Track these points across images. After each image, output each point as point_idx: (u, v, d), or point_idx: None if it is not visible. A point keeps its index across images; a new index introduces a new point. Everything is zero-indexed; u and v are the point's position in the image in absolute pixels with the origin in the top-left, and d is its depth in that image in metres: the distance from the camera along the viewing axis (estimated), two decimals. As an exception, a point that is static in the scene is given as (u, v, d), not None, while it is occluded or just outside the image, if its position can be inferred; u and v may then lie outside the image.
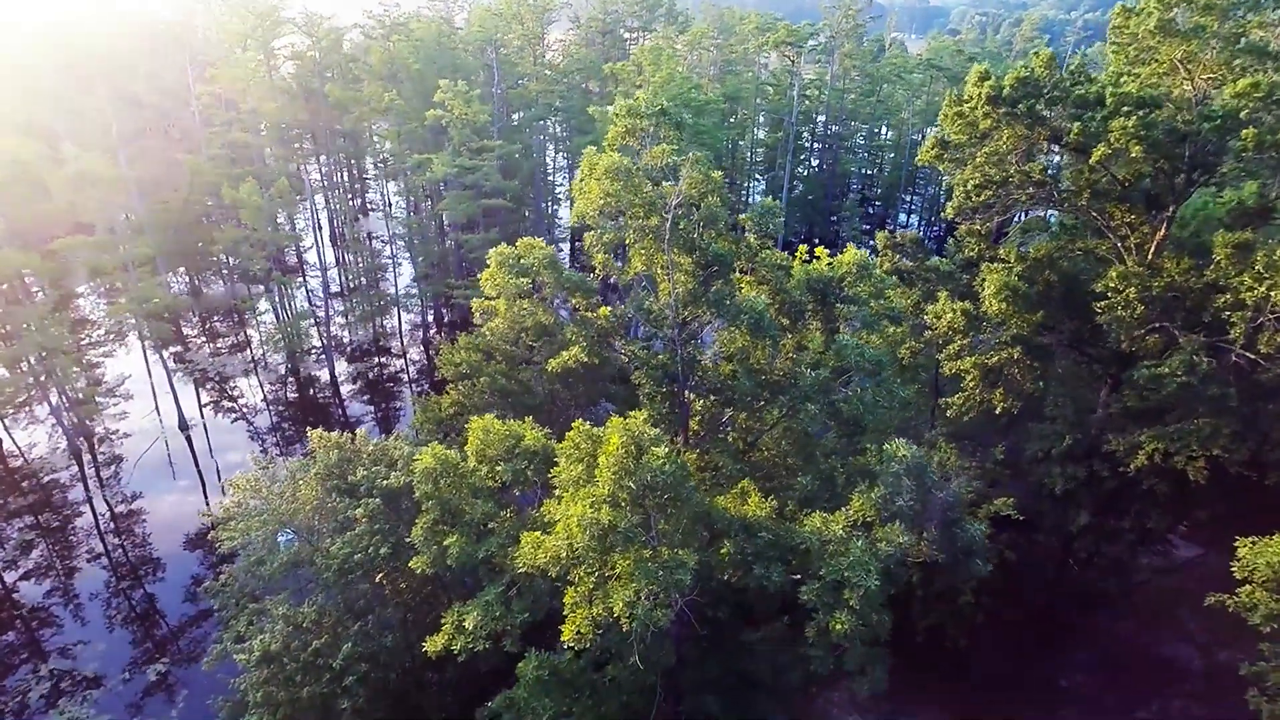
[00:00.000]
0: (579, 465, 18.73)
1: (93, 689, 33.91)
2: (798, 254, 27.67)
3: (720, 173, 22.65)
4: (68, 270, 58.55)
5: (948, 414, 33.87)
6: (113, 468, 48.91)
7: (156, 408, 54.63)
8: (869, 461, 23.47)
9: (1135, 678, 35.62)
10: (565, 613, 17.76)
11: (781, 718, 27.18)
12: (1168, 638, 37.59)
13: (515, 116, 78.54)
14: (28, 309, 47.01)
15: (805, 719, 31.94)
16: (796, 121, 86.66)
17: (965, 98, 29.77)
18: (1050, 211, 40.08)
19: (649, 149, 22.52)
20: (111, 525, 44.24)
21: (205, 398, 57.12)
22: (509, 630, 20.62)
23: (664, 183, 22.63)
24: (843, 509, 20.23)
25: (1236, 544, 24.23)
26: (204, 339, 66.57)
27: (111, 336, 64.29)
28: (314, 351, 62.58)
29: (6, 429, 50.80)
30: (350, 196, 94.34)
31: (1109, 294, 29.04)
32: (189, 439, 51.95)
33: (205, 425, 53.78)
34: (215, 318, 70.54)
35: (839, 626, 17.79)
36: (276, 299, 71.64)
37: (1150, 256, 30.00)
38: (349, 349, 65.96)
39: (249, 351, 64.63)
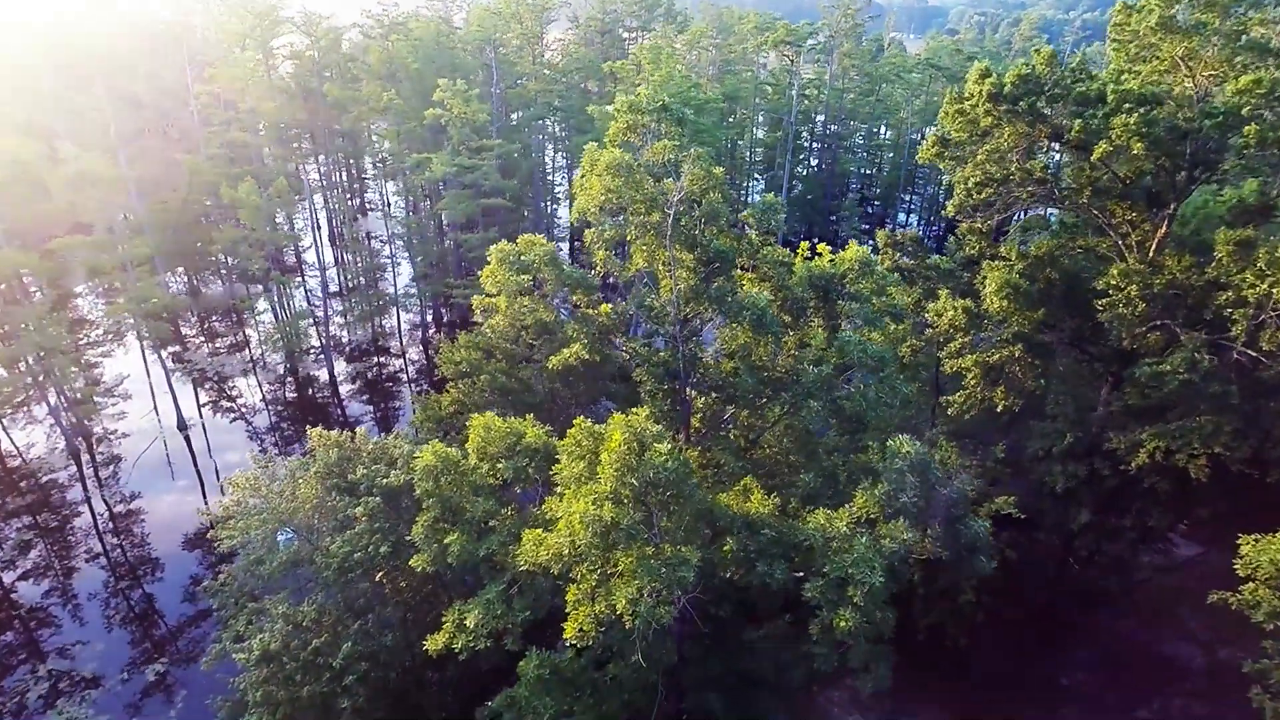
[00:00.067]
0: (581, 462, 18.65)
1: (91, 689, 33.79)
2: (799, 251, 27.59)
3: (721, 169, 22.59)
4: (66, 270, 58.44)
5: (949, 412, 33.83)
6: (111, 468, 48.78)
7: (155, 407, 54.51)
8: (871, 459, 23.40)
9: (1136, 676, 35.58)
10: (567, 610, 17.67)
11: (783, 716, 27.12)
12: (1169, 636, 37.56)
13: (514, 116, 78.48)
14: (26, 309, 46.90)
15: (807, 717, 31.86)
16: (795, 121, 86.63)
17: (966, 95, 29.74)
18: (1050, 210, 40.10)
19: (650, 145, 22.45)
20: (110, 525, 44.12)
21: (204, 397, 56.99)
22: (510, 628, 20.53)
23: (665, 179, 22.56)
24: (846, 506, 20.15)
25: (1239, 542, 24.17)
26: (203, 339, 66.44)
27: (110, 336, 64.15)
28: (313, 351, 62.46)
29: (5, 429, 50.66)
30: (349, 196, 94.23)
31: (1110, 291, 29.00)
32: (188, 439, 51.83)
33: (204, 425, 53.66)
34: (214, 317, 70.42)
35: (843, 623, 17.72)
36: (275, 299, 71.51)
37: (1151, 254, 29.98)
38: (348, 349, 65.85)
39: (248, 351, 64.51)
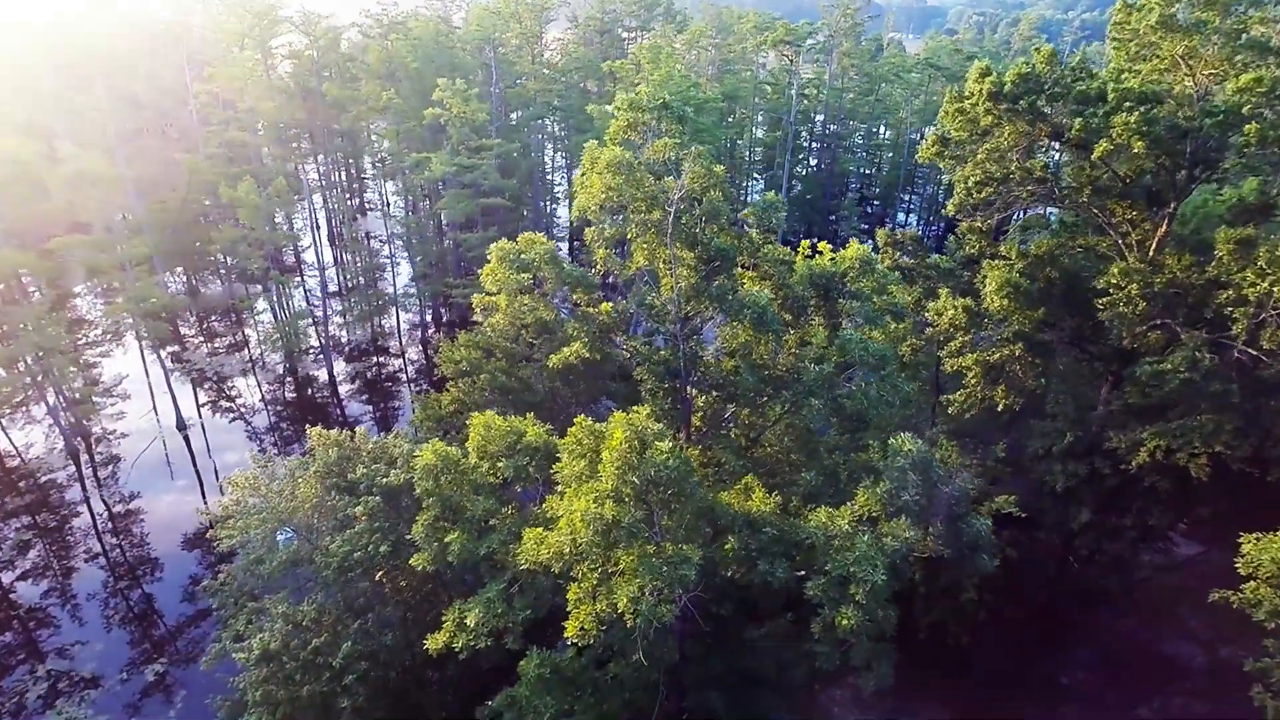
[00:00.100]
0: (582, 461, 18.60)
1: (90, 689, 33.72)
2: (800, 249, 27.57)
3: (722, 167, 22.56)
4: (65, 270, 58.36)
5: (949, 411, 33.83)
6: (110, 468, 48.70)
7: (154, 407, 54.43)
8: (872, 458, 23.37)
9: (1137, 675, 35.60)
10: (568, 609, 17.63)
11: (785, 715, 27.10)
12: (1169, 635, 37.58)
13: (513, 116, 78.41)
14: (25, 308, 46.83)
15: (808, 716, 31.84)
16: (795, 120, 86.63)
17: (966, 94, 29.73)
18: (1050, 209, 40.10)
19: (651, 143, 22.41)
20: (109, 525, 44.04)
21: (203, 397, 56.90)
22: (511, 627, 20.48)
23: (666, 177, 22.52)
24: (847, 504, 20.12)
25: (1240, 540, 24.16)
26: (202, 339, 66.36)
27: (109, 336, 64.05)
28: (312, 351, 62.39)
29: (4, 429, 50.56)
30: (348, 196, 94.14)
31: (1111, 290, 28.99)
32: (187, 439, 51.75)
33: (203, 425, 53.58)
34: (213, 317, 70.33)
35: (845, 622, 17.69)
36: (274, 298, 71.42)
37: (1151, 253, 29.97)
38: (347, 348, 65.79)
39: (247, 351, 64.43)
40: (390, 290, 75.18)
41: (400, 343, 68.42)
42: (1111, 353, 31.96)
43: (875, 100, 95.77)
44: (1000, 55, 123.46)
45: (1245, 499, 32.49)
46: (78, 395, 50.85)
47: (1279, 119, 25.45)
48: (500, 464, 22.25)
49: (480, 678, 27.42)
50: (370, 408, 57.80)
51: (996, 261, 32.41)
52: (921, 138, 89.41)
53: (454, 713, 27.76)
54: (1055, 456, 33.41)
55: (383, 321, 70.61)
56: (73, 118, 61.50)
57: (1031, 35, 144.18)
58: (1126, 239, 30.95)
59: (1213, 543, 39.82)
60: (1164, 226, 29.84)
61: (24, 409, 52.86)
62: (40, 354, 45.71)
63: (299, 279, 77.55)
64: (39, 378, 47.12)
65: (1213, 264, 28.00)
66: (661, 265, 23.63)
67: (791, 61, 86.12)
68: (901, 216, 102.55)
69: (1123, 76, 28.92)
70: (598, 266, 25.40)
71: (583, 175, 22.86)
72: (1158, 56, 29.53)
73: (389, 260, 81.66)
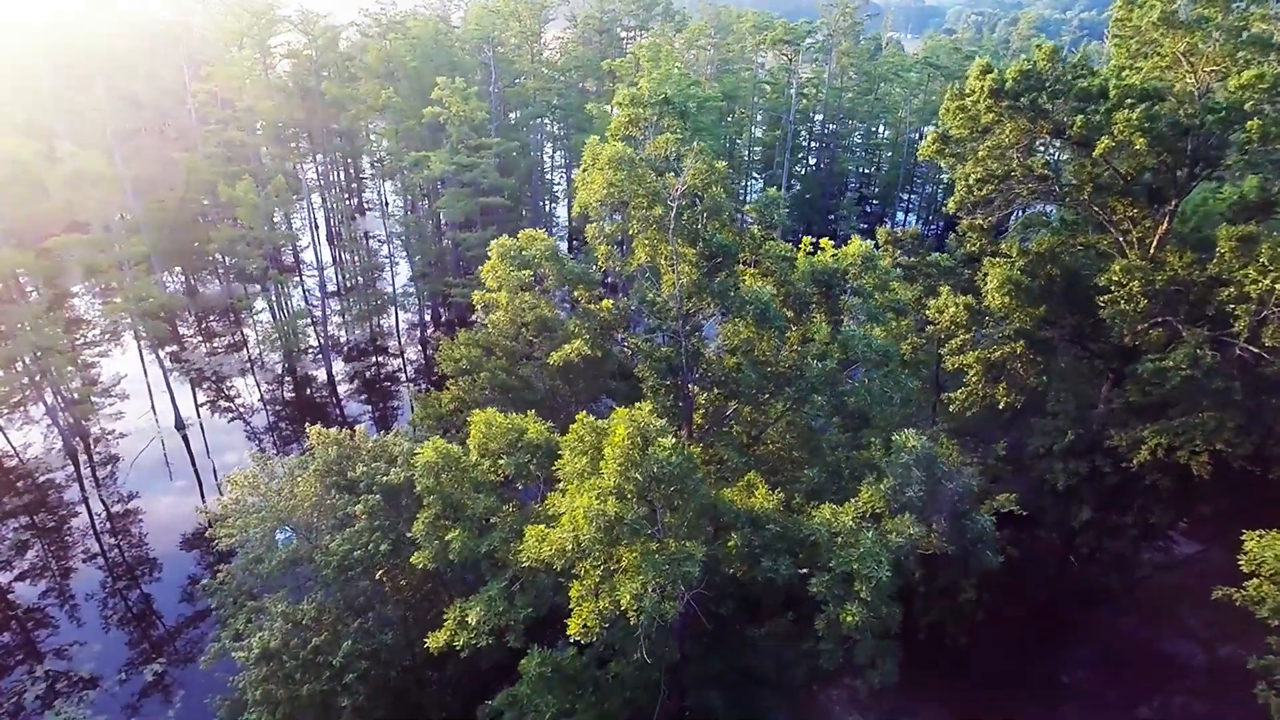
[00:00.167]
0: (583, 458, 18.52)
1: (89, 690, 33.59)
2: (802, 245, 27.49)
3: (724, 163, 22.49)
4: (62, 269, 58.17)
5: (950, 409, 33.77)
6: (108, 467, 48.55)
7: (153, 407, 54.28)
8: (874, 455, 23.30)
9: (1137, 674, 35.55)
10: (571, 606, 17.54)
11: (785, 714, 27.04)
12: (1169, 634, 37.55)
13: (512, 115, 78.34)
14: (22, 308, 46.65)
15: (808, 715, 31.78)
16: (794, 120, 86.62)
17: (967, 91, 29.67)
18: (1050, 207, 40.06)
19: (652, 139, 22.33)
20: (107, 525, 43.90)
21: (201, 397, 56.76)
22: (512, 625, 20.42)
23: (667, 173, 22.44)
24: (851, 501, 20.04)
25: (1243, 538, 24.11)
26: (200, 338, 66.20)
27: (107, 336, 63.87)
28: (311, 351, 62.26)
29: (2, 429, 50.40)
30: (347, 195, 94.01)
31: (1112, 287, 28.93)
32: (185, 439, 51.60)
33: (202, 425, 53.43)
34: (211, 317, 70.17)
35: (850, 619, 17.61)
36: (273, 298, 71.26)
37: (1152, 251, 29.92)
38: (346, 348, 65.66)
39: (245, 351, 64.28)
40: (389, 290, 75.07)
41: (399, 342, 68.29)
42: (1112, 350, 31.91)
43: (874, 99, 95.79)
44: (999, 54, 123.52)
45: (1246, 497, 32.44)
46: (76, 395, 50.70)
47: (1280, 115, 25.42)
48: (501, 461, 22.17)
49: (480, 677, 27.35)
50: (369, 407, 57.68)
51: (997, 259, 32.35)
52: (921, 137, 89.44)
53: (454, 712, 27.68)
54: (1056, 455, 33.35)
55: (382, 321, 70.47)
56: (72, 117, 61.46)
57: (1030, 35, 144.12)
58: (1127, 236, 30.90)
59: (1213, 541, 39.80)
60: (1165, 224, 29.79)
61: (22, 409, 52.70)
62: (38, 354, 45.56)
63: (298, 278, 77.39)
64: (37, 377, 46.96)
65: (1214, 261, 27.94)
66: (663, 262, 23.55)
67: (790, 61, 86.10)
68: (900, 216, 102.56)
69: (1124, 74, 28.87)
70: (599, 263, 25.31)
71: (584, 171, 22.78)
72: (1159, 53, 29.50)
73: (388, 260, 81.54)
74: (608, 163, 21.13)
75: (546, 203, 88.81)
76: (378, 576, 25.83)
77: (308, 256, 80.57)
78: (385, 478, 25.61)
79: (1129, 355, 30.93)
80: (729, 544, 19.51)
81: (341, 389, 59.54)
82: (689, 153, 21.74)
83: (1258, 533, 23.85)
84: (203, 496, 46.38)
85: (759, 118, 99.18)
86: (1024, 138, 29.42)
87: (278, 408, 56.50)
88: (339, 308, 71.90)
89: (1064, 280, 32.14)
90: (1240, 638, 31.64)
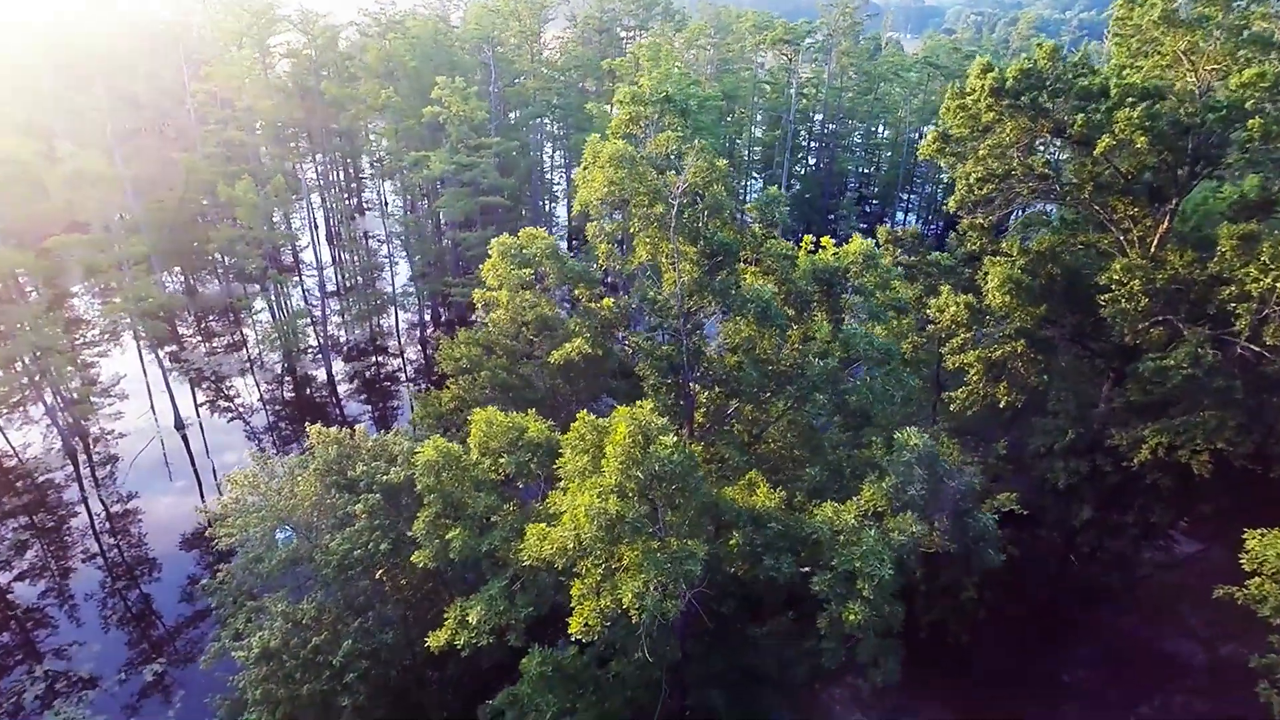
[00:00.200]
0: (584, 456, 18.47)
1: (88, 690, 33.53)
2: (803, 244, 27.45)
3: (725, 161, 22.46)
4: (62, 269, 58.10)
5: (950, 408, 33.73)
6: (108, 467, 48.49)
7: (152, 407, 54.22)
8: (875, 454, 23.26)
9: (1138, 673, 35.53)
10: (572, 605, 17.50)
11: (786, 713, 27.00)
12: (1170, 633, 37.54)
13: (512, 115, 78.29)
14: (22, 308, 46.58)
15: (809, 714, 31.74)
16: (794, 120, 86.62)
17: (968, 90, 29.63)
18: (1050, 206, 40.04)
19: (653, 137, 22.29)
20: (107, 525, 43.83)
21: (201, 397, 56.70)
22: (513, 624, 20.38)
23: (668, 171, 22.40)
24: (853, 499, 19.99)
25: (1244, 537, 24.06)
26: (200, 338, 66.14)
27: (106, 336, 63.78)
28: (310, 350, 62.20)
29: (1, 429, 50.32)
30: (346, 195, 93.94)
31: (1113, 286, 28.89)
32: (185, 438, 51.54)
33: (201, 425, 53.37)
34: (211, 317, 70.10)
35: (852, 617, 17.56)
36: (272, 298, 71.21)
37: (1153, 250, 29.89)
38: (346, 348, 65.60)
39: (245, 351, 64.21)
40: (389, 289, 75.01)
41: (399, 342, 68.24)
42: (1113, 349, 31.89)
43: (874, 99, 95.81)
44: (999, 54, 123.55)
45: (1247, 496, 32.43)
46: (75, 395, 50.62)
47: (1282, 114, 25.37)
48: (502, 460, 22.13)
49: (481, 676, 27.31)
50: (369, 407, 57.63)
51: (998, 258, 32.31)
52: (920, 137, 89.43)
53: (455, 711, 27.65)
54: (1057, 454, 33.33)
55: (381, 321, 70.41)
56: (71, 117, 61.41)
57: (1030, 34, 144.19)
58: (1128, 235, 30.88)
59: (1213, 540, 39.80)
60: (1165, 223, 29.77)
61: (21, 409, 52.64)
62: (38, 354, 45.48)
63: (297, 278, 77.32)
64: (37, 377, 46.89)
65: (1215, 260, 27.90)
66: (664, 260, 23.51)
67: (790, 60, 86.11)
68: (900, 215, 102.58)
69: (1124, 72, 28.84)
70: (599, 262, 25.26)
71: (584, 169, 22.73)
72: (1159, 52, 29.47)
73: (387, 259, 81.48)
74: (609, 160, 21.08)
75: (546, 202, 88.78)
76: (378, 576, 25.79)
77: (307, 256, 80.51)
78: (385, 477, 25.56)
79: (1130, 354, 30.91)
80: (730, 542, 19.47)
81: (341, 389, 59.49)
82: (690, 150, 21.71)
83: (1259, 531, 23.80)
84: (202, 496, 46.32)
85: (759, 117, 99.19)
86: (1024, 136, 29.39)
87: (277, 407, 56.44)
88: (338, 307, 71.84)
89: (1065, 279, 32.12)
90: (1241, 637, 31.64)
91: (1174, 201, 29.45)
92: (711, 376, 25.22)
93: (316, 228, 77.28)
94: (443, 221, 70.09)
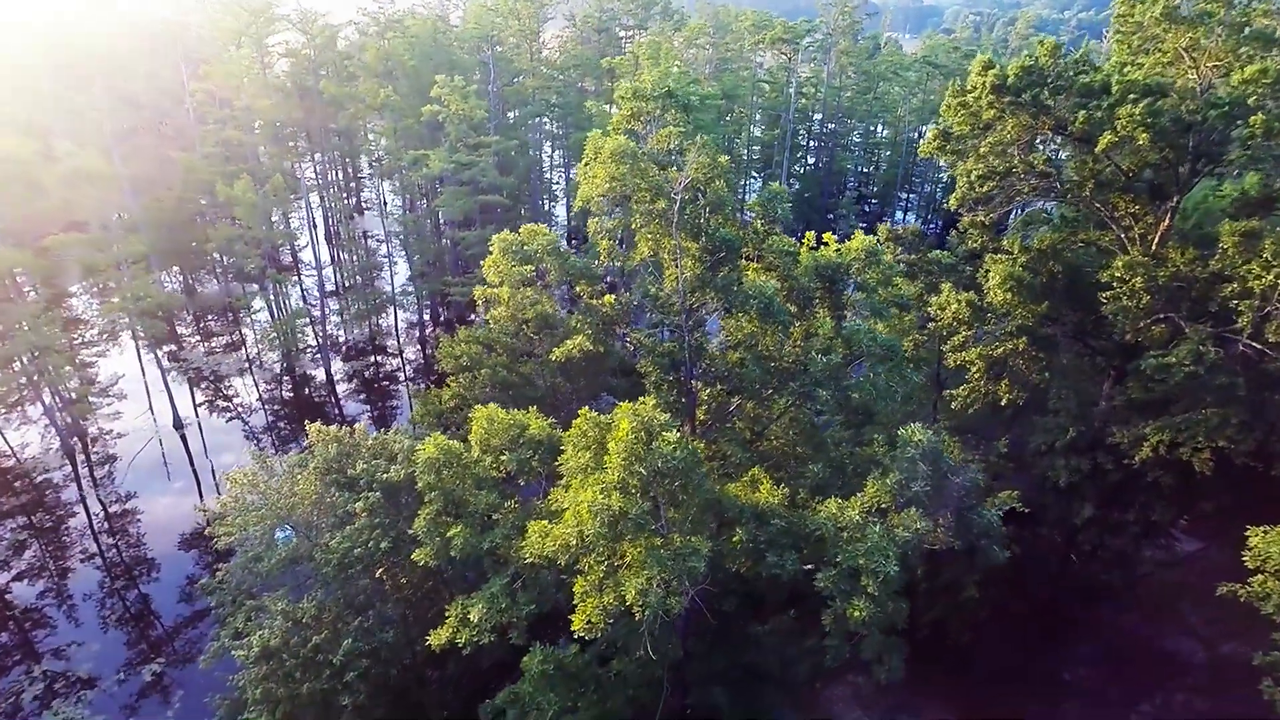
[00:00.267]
0: (587, 453, 18.40)
1: (87, 690, 33.42)
2: (804, 240, 27.40)
3: (726, 157, 22.40)
4: (60, 268, 57.90)
5: (952, 406, 33.67)
6: (106, 467, 48.36)
7: (150, 407, 54.09)
8: (876, 452, 23.20)
9: (1138, 671, 35.52)
10: (575, 602, 17.41)
11: (788, 711, 26.96)
12: (1170, 631, 37.52)
13: (511, 114, 78.21)
14: (20, 307, 46.43)
15: (811, 713, 31.71)
16: (793, 119, 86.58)
17: (969, 88, 29.58)
18: (1050, 205, 39.99)
19: (655, 133, 22.21)
20: (105, 525, 43.71)
21: (200, 397, 56.58)
22: (515, 622, 20.29)
23: (670, 167, 22.32)
24: (857, 495, 19.93)
25: (1247, 534, 23.98)
26: (198, 338, 65.99)
27: (105, 335, 63.63)
28: (309, 350, 62.08)
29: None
30: (345, 195, 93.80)
31: (1115, 283, 28.85)
32: (183, 438, 51.42)
33: (200, 424, 53.24)
34: (210, 316, 69.96)
35: (857, 614, 17.49)
36: (271, 297, 71.09)
37: (1154, 247, 29.85)
38: (345, 347, 65.49)
39: (244, 350, 64.09)
40: (388, 289, 74.86)
41: (398, 341, 68.13)
42: (1114, 347, 31.85)
43: (873, 99, 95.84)
44: (997, 54, 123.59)
45: (1248, 493, 32.41)
46: (74, 395, 50.47)
47: (1284, 110, 25.32)
48: (503, 457, 22.04)
49: (481, 675, 27.25)
50: (368, 407, 57.53)
51: (999, 256, 32.27)
52: (919, 136, 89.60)
53: (455, 710, 27.58)
54: (1058, 452, 33.28)
55: (380, 320, 70.29)
56: (70, 117, 61.17)
57: (1029, 34, 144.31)
58: (1129, 233, 30.84)
59: (1213, 539, 39.81)
60: (1166, 220, 29.73)
61: (20, 409, 52.50)
62: (36, 353, 45.31)
63: (296, 278, 77.20)
64: (35, 377, 46.73)
65: (1217, 257, 27.86)
66: (666, 256, 23.42)
67: (789, 60, 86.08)
68: (899, 215, 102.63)
69: (1126, 70, 28.78)
70: (601, 258, 25.19)
71: (585, 165, 22.64)
72: (1160, 49, 29.42)
73: (386, 259, 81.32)
74: (610, 156, 21.00)
75: (545, 201, 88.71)
76: (378, 574, 25.70)
77: (306, 256, 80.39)
78: (385, 475, 25.46)
79: (1131, 352, 30.87)
80: (733, 539, 19.40)
81: (340, 388, 59.38)
82: (691, 146, 21.64)
83: (1262, 529, 23.72)
84: (201, 496, 46.19)
85: (758, 117, 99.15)
86: (1025, 134, 29.34)
87: (276, 407, 56.32)
88: (337, 307, 71.71)
89: (1066, 277, 32.08)
90: (1241, 635, 31.62)
91: (1175, 199, 29.41)
92: (713, 373, 25.16)
93: (315, 227, 77.21)
94: (442, 221, 69.99)
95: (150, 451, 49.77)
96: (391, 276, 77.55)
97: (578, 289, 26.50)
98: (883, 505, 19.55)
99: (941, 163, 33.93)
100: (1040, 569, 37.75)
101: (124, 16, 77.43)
